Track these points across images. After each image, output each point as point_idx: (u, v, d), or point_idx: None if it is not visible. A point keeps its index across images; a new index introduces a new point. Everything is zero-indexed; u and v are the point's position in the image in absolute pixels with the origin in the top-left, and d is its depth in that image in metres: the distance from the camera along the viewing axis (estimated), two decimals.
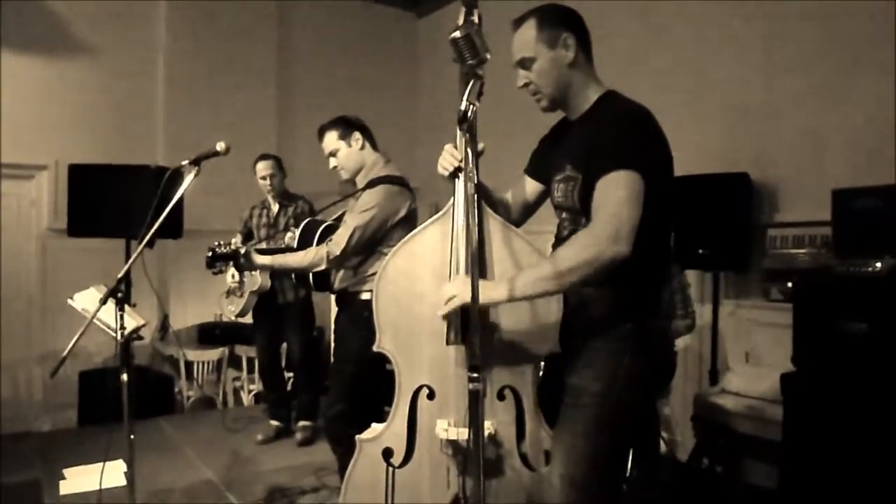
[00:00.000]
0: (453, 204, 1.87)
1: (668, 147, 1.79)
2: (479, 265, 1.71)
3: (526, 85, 1.86)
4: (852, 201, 3.29)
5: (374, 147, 3.06)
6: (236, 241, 4.49)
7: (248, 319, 4.55)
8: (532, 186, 2.06)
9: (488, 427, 1.79)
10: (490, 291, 1.66)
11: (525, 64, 1.84)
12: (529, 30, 1.81)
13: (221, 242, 3.06)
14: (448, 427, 1.83)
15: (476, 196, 1.50)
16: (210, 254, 3.03)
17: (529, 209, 2.09)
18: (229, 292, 4.38)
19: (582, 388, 1.80)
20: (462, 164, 1.80)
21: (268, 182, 4.35)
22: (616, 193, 1.63)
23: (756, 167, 4.05)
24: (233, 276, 4.22)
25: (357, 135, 2.99)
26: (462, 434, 1.81)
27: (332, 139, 3.01)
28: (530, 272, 1.68)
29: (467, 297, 1.57)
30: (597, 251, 1.60)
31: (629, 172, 1.63)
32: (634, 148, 1.68)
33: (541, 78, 1.83)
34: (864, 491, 2.71)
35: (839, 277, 2.99)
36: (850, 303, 2.89)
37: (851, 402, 2.82)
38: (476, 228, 1.46)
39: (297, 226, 3.50)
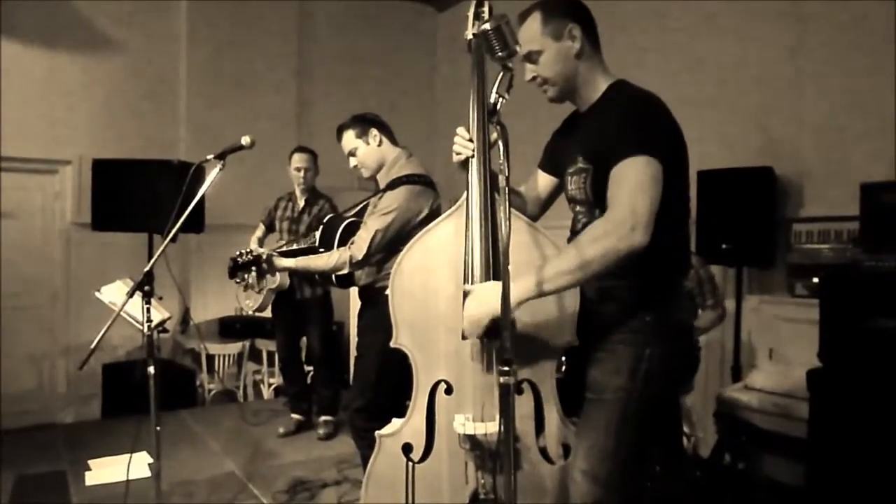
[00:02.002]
0: (468, 198, 1.86)
1: (681, 133, 1.76)
2: (498, 260, 1.72)
3: (533, 79, 1.85)
4: (881, 195, 3.24)
5: (394, 142, 3.05)
6: (257, 236, 4.53)
7: (267, 314, 4.56)
8: (545, 180, 2.05)
9: None
10: (516, 290, 1.62)
11: (532, 57, 1.82)
12: (535, 22, 1.79)
13: (242, 252, 3.05)
14: (466, 422, 1.82)
15: (507, 189, 1.48)
16: (231, 264, 3.02)
17: (544, 203, 2.08)
18: (247, 286, 4.37)
19: (604, 382, 1.78)
20: (475, 151, 1.81)
21: (301, 174, 4.33)
22: (632, 180, 1.60)
23: (781, 161, 4.00)
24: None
25: (374, 131, 2.97)
26: (480, 429, 1.80)
27: (350, 138, 3.00)
28: (552, 266, 1.66)
29: (494, 309, 1.58)
30: (615, 240, 1.56)
31: (645, 157, 1.60)
32: (648, 132, 1.65)
33: (548, 70, 1.81)
34: (892, 489, 2.68)
35: (867, 273, 2.95)
36: (879, 299, 2.85)
37: (879, 400, 2.78)
38: (508, 222, 1.44)
39: (318, 227, 3.49)
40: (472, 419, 1.83)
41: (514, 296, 1.62)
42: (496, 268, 1.78)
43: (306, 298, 4.38)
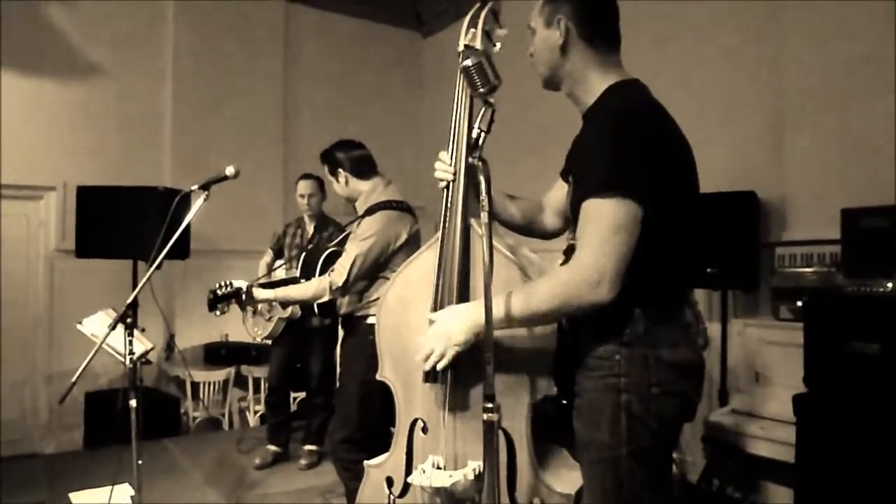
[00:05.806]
0: (443, 228, 1.75)
1: (675, 151, 1.57)
2: (465, 294, 1.68)
3: (531, 55, 1.70)
4: (862, 220, 3.28)
5: (366, 175, 3.04)
6: (265, 262, 4.46)
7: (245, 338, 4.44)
8: (563, 191, 1.83)
9: (473, 467, 1.69)
10: (452, 329, 1.56)
11: (531, 32, 1.69)
12: (539, 0, 1.67)
13: (221, 283, 3.04)
14: (423, 472, 1.72)
15: (489, 225, 1.44)
16: (211, 296, 3.01)
17: (563, 214, 1.85)
18: (255, 312, 4.30)
19: (587, 438, 1.56)
20: (455, 176, 1.73)
21: (306, 201, 4.32)
22: (601, 225, 1.41)
23: (764, 186, 4.04)
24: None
25: (341, 172, 3.02)
26: (436, 480, 1.69)
27: (326, 172, 3.11)
28: (504, 305, 1.50)
29: (441, 347, 1.56)
30: (573, 294, 1.42)
31: (620, 201, 1.40)
32: (624, 166, 1.43)
33: (536, 53, 1.69)
34: None
35: (850, 297, 2.97)
36: (862, 323, 2.86)
37: (865, 423, 2.79)
38: (489, 258, 1.41)
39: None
40: (438, 464, 1.75)
41: (456, 337, 1.57)
42: (467, 299, 1.69)
43: (314, 327, 4.33)
